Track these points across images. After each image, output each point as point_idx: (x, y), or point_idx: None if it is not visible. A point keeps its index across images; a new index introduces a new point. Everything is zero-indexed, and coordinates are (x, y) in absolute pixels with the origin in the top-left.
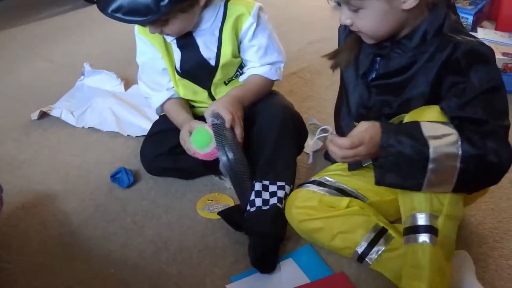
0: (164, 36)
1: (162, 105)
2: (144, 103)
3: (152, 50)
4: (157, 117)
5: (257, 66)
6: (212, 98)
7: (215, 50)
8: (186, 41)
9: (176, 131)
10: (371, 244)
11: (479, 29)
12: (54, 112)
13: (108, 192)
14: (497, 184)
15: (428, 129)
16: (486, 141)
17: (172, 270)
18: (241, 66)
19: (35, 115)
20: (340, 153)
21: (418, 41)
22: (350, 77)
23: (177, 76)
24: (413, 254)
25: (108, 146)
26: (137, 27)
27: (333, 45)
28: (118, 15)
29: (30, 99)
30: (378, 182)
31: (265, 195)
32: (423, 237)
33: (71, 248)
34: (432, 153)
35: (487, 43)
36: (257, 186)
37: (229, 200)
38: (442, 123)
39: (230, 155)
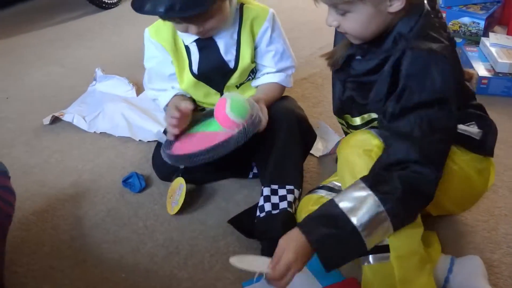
0: (184, 39)
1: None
2: (156, 108)
3: (162, 54)
4: None
5: (273, 72)
6: None
7: (234, 53)
8: (207, 43)
9: None
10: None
11: (490, 34)
12: (66, 117)
13: (119, 196)
14: (511, 190)
15: (345, 205)
16: (407, 172)
17: (184, 274)
18: (253, 71)
19: (47, 120)
20: (280, 284)
21: (390, 44)
22: (333, 73)
23: (191, 79)
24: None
25: (120, 151)
26: (148, 31)
27: None
28: (172, 13)
29: (42, 103)
30: (328, 269)
31: (274, 199)
32: (366, 259)
33: (82, 252)
34: (359, 226)
35: (499, 48)
36: (266, 191)
37: (179, 181)
38: (356, 186)
39: (244, 140)
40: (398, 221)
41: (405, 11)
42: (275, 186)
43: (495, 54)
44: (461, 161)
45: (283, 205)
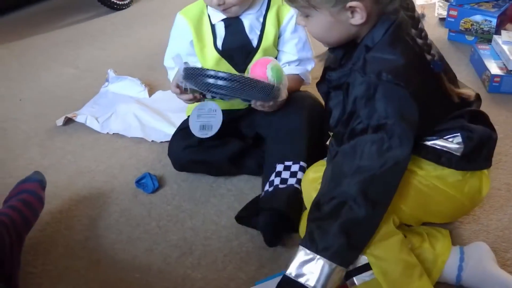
0: (212, 18)
1: None
2: (168, 108)
3: (183, 34)
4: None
5: (294, 61)
6: None
7: (258, 33)
8: (233, 21)
9: None
10: None
11: (503, 31)
12: (79, 118)
13: (132, 197)
14: None
15: (303, 279)
16: (344, 215)
17: (197, 274)
18: None
19: (60, 121)
20: None
21: (358, 55)
22: (316, 85)
23: (214, 54)
24: None
25: (133, 152)
26: (180, 11)
27: None
28: None
29: (55, 104)
30: None
31: (285, 174)
32: (351, 282)
33: (96, 253)
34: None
35: (511, 46)
36: (279, 167)
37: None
38: (302, 254)
39: (264, 94)
40: (348, 263)
41: (372, 22)
42: (289, 163)
43: (507, 52)
44: (430, 177)
45: (292, 181)
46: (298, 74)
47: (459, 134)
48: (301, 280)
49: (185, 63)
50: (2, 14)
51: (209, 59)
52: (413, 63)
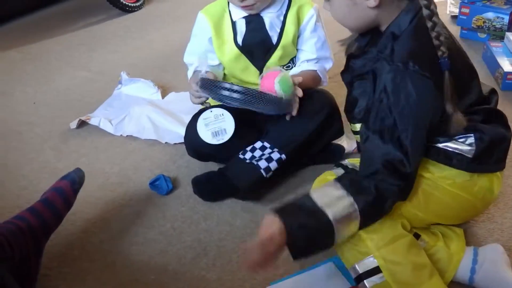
0: (233, 15)
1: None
2: (181, 110)
3: (202, 32)
4: None
5: (313, 59)
6: None
7: (278, 30)
8: (254, 18)
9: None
10: None
11: None
12: (93, 121)
13: (147, 199)
14: None
15: (322, 200)
16: (380, 182)
17: (212, 275)
18: (293, 60)
19: (74, 124)
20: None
21: (384, 43)
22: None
23: (234, 50)
24: None
25: (147, 154)
26: (201, 10)
27: None
28: None
29: (68, 107)
30: (296, 258)
31: (262, 154)
32: (362, 286)
33: (111, 255)
34: (333, 220)
35: None
36: (258, 144)
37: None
38: (333, 185)
39: (272, 108)
40: (364, 222)
41: (391, 8)
42: (267, 144)
43: None
44: (438, 179)
45: (262, 164)
46: (315, 71)
47: (472, 135)
48: (323, 205)
49: (206, 72)
50: (15, 18)
51: (228, 54)
52: (432, 55)
